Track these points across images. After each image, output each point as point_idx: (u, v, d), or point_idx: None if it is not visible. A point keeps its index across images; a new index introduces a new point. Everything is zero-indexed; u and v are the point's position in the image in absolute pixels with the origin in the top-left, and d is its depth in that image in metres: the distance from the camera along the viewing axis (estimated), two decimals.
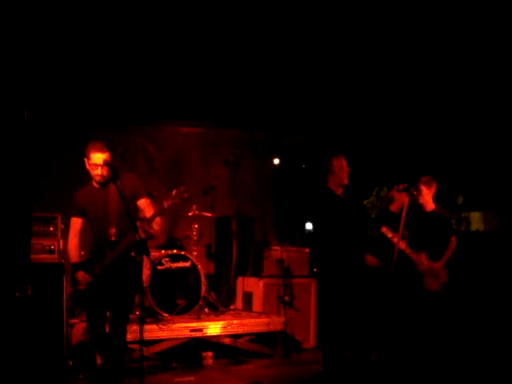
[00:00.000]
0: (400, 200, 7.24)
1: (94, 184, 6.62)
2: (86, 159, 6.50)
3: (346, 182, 7.33)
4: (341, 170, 7.31)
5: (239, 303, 10.08)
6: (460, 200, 9.17)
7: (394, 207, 7.35)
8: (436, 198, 8.80)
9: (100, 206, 6.53)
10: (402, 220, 7.11)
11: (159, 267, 8.84)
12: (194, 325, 8.73)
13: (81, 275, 6.41)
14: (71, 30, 9.04)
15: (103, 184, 6.54)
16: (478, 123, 11.41)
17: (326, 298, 7.32)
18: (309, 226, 12.80)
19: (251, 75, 10.45)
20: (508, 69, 9.76)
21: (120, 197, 6.22)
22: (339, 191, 7.36)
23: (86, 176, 6.70)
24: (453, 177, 11.08)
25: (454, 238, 8.23)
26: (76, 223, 6.64)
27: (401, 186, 7.21)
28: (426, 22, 9.29)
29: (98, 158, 6.42)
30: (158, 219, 6.51)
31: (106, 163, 6.43)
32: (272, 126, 11.94)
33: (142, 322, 6.24)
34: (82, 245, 6.79)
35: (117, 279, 6.44)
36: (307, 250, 10.18)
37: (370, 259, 7.69)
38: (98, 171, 6.47)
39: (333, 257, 7.16)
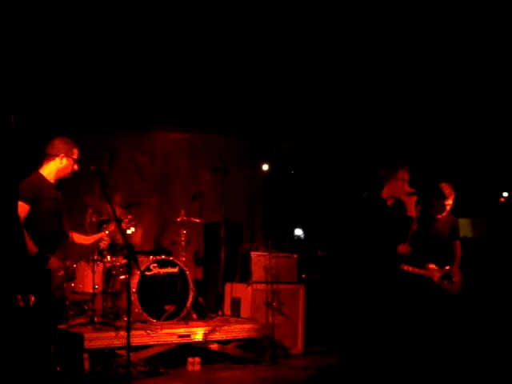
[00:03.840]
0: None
1: (49, 179, 6.57)
2: (64, 155, 6.53)
3: (401, 195, 7.19)
4: (402, 183, 7.16)
5: (227, 309, 10.05)
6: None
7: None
8: (425, 204, 8.83)
9: (55, 203, 6.51)
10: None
11: (147, 273, 8.82)
12: (181, 330, 8.70)
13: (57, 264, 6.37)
14: (60, 36, 9.06)
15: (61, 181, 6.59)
16: (467, 130, 11.48)
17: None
18: (298, 231, 12.82)
19: (240, 82, 10.48)
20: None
21: (107, 201, 6.22)
22: (390, 202, 7.24)
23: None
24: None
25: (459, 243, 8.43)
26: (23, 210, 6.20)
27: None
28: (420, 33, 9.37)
29: (77, 153, 6.57)
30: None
31: None
32: (260, 132, 11.96)
33: (129, 327, 6.24)
34: None
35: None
36: (296, 256, 10.19)
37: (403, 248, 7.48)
38: (76, 166, 6.55)
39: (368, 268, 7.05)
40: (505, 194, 11.87)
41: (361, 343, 7.02)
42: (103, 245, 8.15)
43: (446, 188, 8.21)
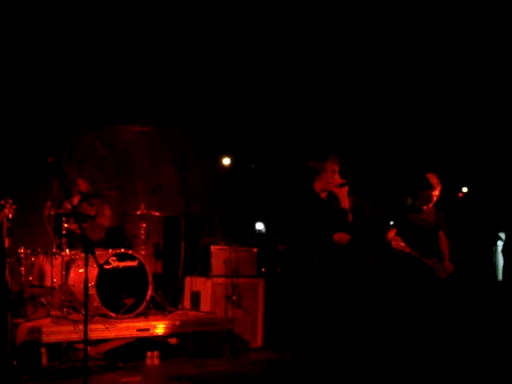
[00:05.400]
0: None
1: None
2: None
3: (332, 188, 7.00)
4: (332, 174, 6.99)
5: (187, 303, 10.04)
6: (409, 201, 9.22)
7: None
8: (386, 200, 8.87)
9: None
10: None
11: (106, 266, 8.77)
12: (141, 324, 8.68)
13: None
14: (20, 31, 8.98)
15: None
16: (429, 125, 11.56)
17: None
18: (259, 226, 12.82)
19: (198, 76, 10.46)
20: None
21: (65, 194, 6.17)
22: (323, 195, 7.07)
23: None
24: (401, 178, 11.19)
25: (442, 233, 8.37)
26: None
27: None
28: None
29: None
30: None
31: None
32: (222, 126, 11.93)
33: (86, 321, 6.19)
34: None
35: None
36: (255, 250, 10.20)
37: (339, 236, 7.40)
38: None
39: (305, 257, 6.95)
40: (464, 189, 11.97)
41: (313, 338, 6.99)
42: None
43: (433, 178, 8.09)
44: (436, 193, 8.16)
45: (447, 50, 10.17)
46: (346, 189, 6.92)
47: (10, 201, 8.10)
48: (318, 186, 7.00)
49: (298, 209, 6.96)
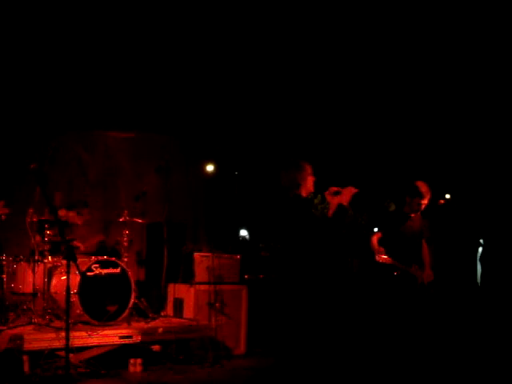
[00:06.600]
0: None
1: None
2: None
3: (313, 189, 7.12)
4: (312, 177, 7.07)
5: (170, 310, 10.02)
6: (392, 207, 9.27)
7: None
8: (369, 206, 8.89)
9: None
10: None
11: (89, 273, 8.74)
12: (123, 331, 8.64)
13: None
14: (4, 37, 8.98)
15: None
16: (412, 133, 11.61)
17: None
18: (243, 232, 12.83)
19: (182, 83, 10.47)
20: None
21: (47, 202, 6.15)
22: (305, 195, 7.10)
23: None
24: (385, 184, 11.23)
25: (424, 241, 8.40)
26: None
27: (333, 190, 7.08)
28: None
29: None
30: None
31: None
32: (205, 132, 11.94)
33: (68, 328, 6.18)
34: None
35: None
36: (238, 257, 10.19)
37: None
38: None
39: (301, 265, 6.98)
40: (447, 196, 12.01)
41: (297, 344, 6.99)
42: None
43: (423, 187, 8.13)
44: (425, 201, 8.19)
45: (430, 61, 10.25)
46: (337, 197, 6.97)
47: (2, 203, 8.08)
48: (304, 192, 7.06)
49: (282, 214, 7.01)
